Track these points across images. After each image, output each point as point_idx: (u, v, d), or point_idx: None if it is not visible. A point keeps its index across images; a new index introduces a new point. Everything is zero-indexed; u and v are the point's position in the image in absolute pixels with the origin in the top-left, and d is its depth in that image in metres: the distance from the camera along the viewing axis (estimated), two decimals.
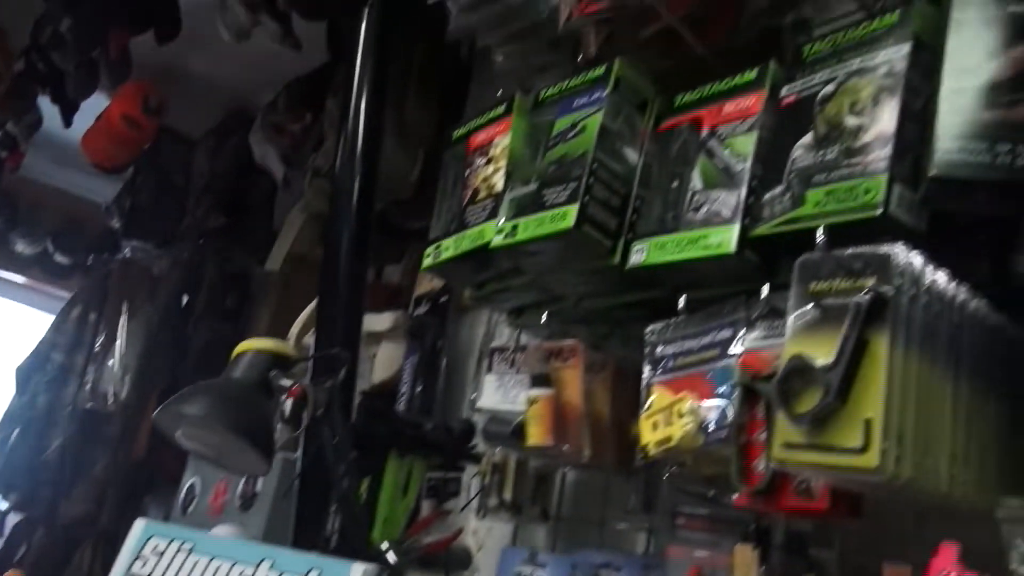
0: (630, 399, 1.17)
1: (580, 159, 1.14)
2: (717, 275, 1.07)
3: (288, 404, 1.13)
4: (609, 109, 1.16)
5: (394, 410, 1.81)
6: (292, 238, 2.41)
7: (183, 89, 3.03)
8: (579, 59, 1.30)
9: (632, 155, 1.17)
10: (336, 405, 1.14)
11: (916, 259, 0.81)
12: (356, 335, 1.57)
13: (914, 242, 0.90)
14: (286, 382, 1.13)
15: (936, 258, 0.94)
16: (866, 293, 0.77)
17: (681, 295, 1.11)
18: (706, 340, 1.05)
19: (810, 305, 0.82)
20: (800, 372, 0.78)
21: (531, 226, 1.15)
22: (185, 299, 3.18)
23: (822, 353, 0.80)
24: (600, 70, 1.19)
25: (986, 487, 0.85)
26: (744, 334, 1.00)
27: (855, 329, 0.76)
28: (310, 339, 1.71)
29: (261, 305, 2.88)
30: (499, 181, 1.27)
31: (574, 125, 1.18)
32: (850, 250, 0.83)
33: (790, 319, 0.84)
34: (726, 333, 1.03)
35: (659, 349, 1.10)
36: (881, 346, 0.76)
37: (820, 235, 0.83)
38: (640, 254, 1.11)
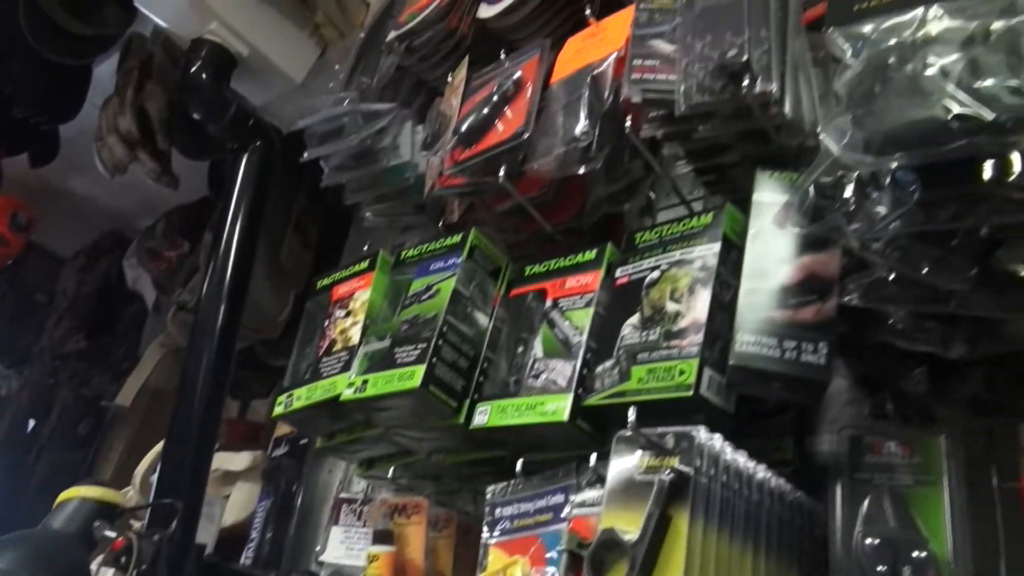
0: (474, 559, 1.18)
1: (431, 321, 1.19)
2: (554, 440, 1.12)
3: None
4: (462, 275, 1.23)
5: (231, 566, 1.73)
6: (148, 372, 2.33)
7: (58, 207, 2.98)
8: (440, 224, 1.39)
9: (483, 319, 1.24)
10: (163, 559, 1.10)
11: (716, 439, 0.88)
12: (202, 479, 1.52)
13: (723, 422, 0.99)
14: (111, 533, 1.08)
15: (745, 437, 1.04)
16: (669, 472, 0.83)
17: (522, 456, 1.16)
18: (541, 503, 1.09)
19: (622, 479, 0.88)
20: (610, 545, 0.83)
21: (380, 382, 1.19)
22: (32, 424, 2.99)
23: (633, 526, 0.84)
24: (457, 238, 1.28)
25: None
26: (574, 500, 1.04)
27: (658, 506, 0.81)
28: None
29: (115, 435, 2.73)
30: (356, 334, 1.31)
31: (429, 287, 1.25)
32: (659, 429, 0.90)
33: (605, 492, 0.89)
34: (559, 498, 1.07)
35: (498, 510, 1.13)
36: (683, 523, 0.82)
37: (631, 413, 0.90)
38: (483, 416, 1.15)
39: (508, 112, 1.22)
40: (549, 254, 1.26)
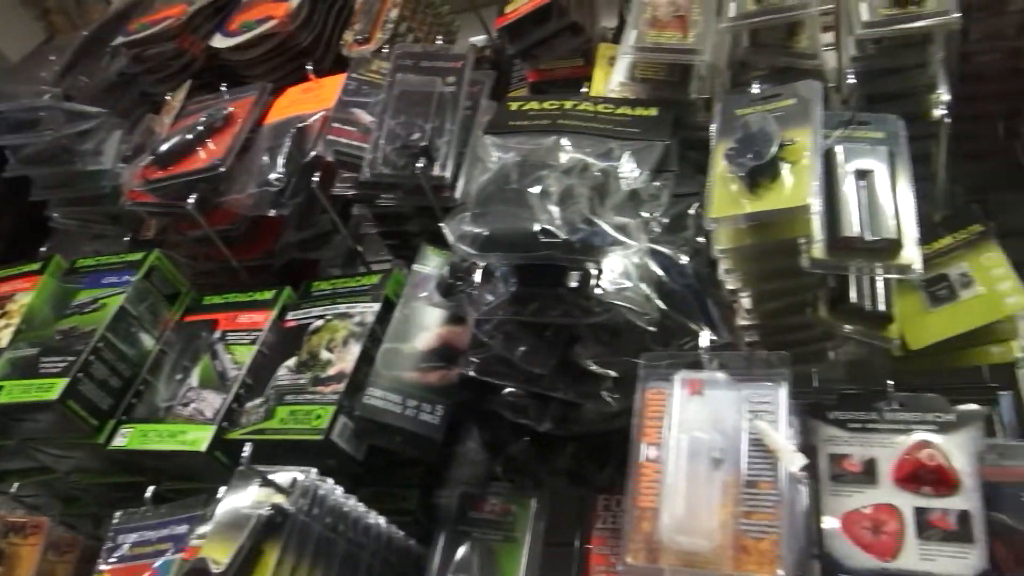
0: None
1: (88, 335, 1.16)
2: (197, 470, 1.13)
3: None
4: (133, 293, 1.22)
5: None
6: None
7: None
8: (130, 238, 1.37)
9: (148, 341, 1.23)
10: None
11: (328, 482, 0.95)
12: None
13: (352, 467, 1.07)
14: None
15: (376, 485, 1.12)
16: (268, 507, 0.88)
17: (167, 484, 1.15)
18: (165, 532, 1.09)
19: (231, 512, 0.92)
20: (199, 574, 0.86)
21: (16, 390, 1.13)
22: None
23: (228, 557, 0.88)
24: (137, 255, 1.26)
25: None
26: (198, 531, 1.06)
27: (251, 539, 0.86)
28: None
29: None
30: (6, 337, 1.23)
31: (95, 300, 1.22)
32: (278, 468, 0.95)
33: (212, 523, 0.92)
34: (183, 528, 1.08)
35: (120, 536, 1.11)
36: (272, 557, 0.87)
37: (245, 450, 0.94)
38: (123, 438, 1.14)
39: (211, 143, 1.25)
40: (238, 288, 1.29)
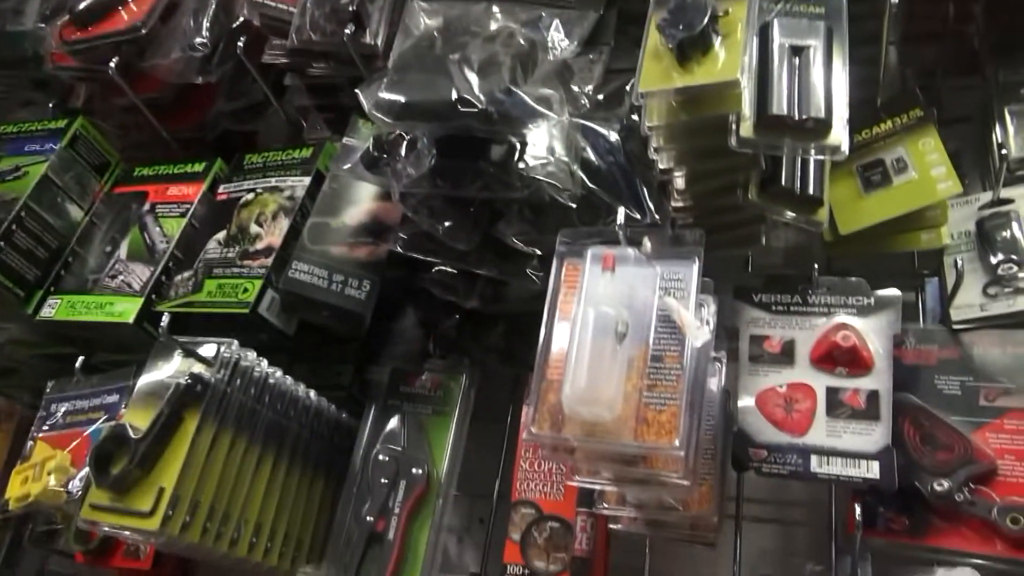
0: None
1: (9, 203, 1.13)
2: (127, 342, 1.13)
3: None
4: (57, 162, 1.18)
5: None
6: None
7: None
8: (54, 104, 1.31)
9: (76, 212, 1.20)
10: None
11: (251, 353, 0.95)
12: None
13: (283, 342, 1.07)
14: None
15: (311, 360, 1.12)
16: (187, 376, 0.88)
17: (99, 355, 1.15)
18: (96, 401, 1.09)
19: (153, 381, 0.92)
20: (118, 439, 0.86)
21: None
22: None
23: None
24: (60, 122, 1.22)
25: (291, 554, 1.00)
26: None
27: (170, 406, 0.87)
28: None
29: None
30: None
31: (18, 168, 1.17)
32: (200, 339, 0.94)
33: (135, 391, 0.92)
34: (114, 397, 1.08)
35: (53, 405, 1.12)
36: (192, 424, 0.88)
37: (164, 321, 0.94)
38: (51, 309, 1.12)
39: (132, 3, 1.18)
40: (169, 159, 1.25)
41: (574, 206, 0.86)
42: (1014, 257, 0.96)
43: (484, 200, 0.90)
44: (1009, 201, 1.00)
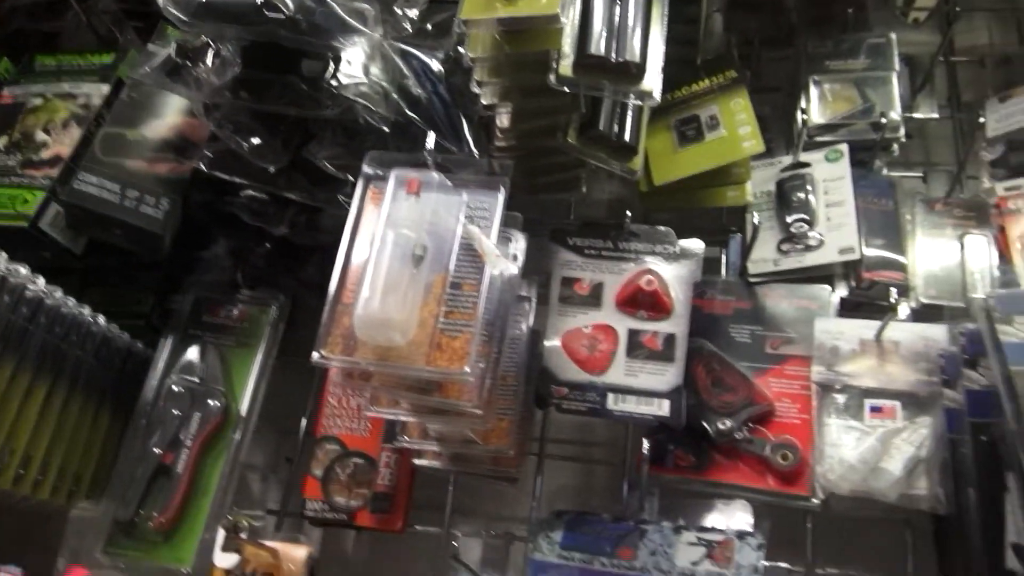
0: None
1: None
2: None
3: None
4: None
5: None
6: None
7: None
8: None
9: None
10: None
11: (24, 270, 0.86)
12: None
13: (69, 261, 0.98)
14: None
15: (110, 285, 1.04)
16: None
17: None
18: None
19: None
20: None
21: None
22: None
23: None
24: None
25: (67, 488, 0.92)
26: None
27: None
28: None
29: None
30: None
31: None
32: None
33: None
34: None
35: None
36: None
37: None
38: None
39: None
40: None
41: (388, 131, 0.83)
42: (806, 217, 1.03)
43: (295, 119, 0.86)
44: (806, 165, 1.07)
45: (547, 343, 0.96)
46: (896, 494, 0.85)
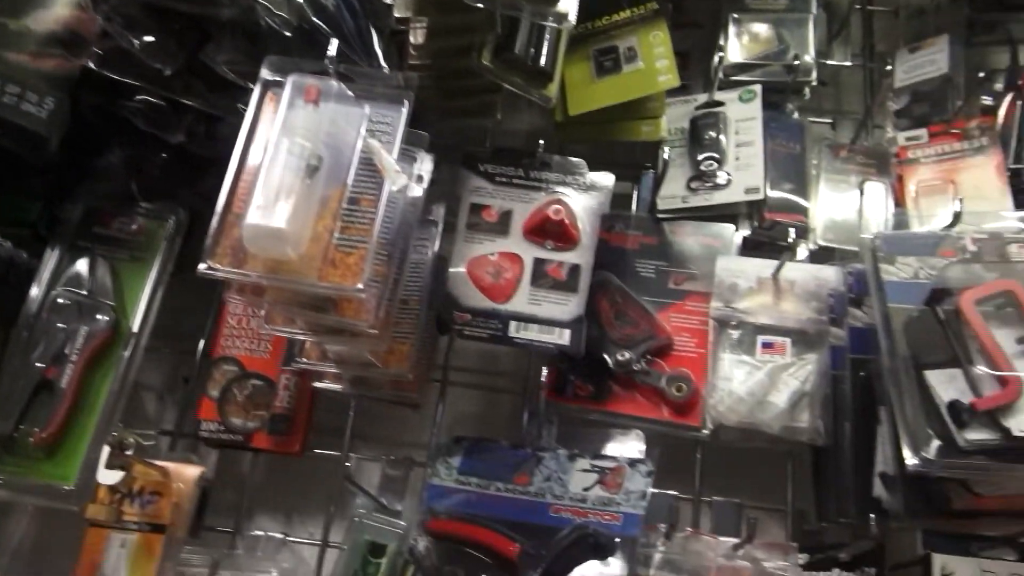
0: None
1: None
2: None
3: None
4: None
5: None
6: None
7: None
8: None
9: None
10: None
11: None
12: None
13: None
14: None
15: None
16: None
17: None
18: None
19: None
20: None
21: None
22: None
23: None
24: None
25: None
26: None
27: None
28: None
29: None
30: None
31: None
32: None
33: None
34: None
35: None
36: None
37: None
38: None
39: None
40: None
41: (290, 37, 0.79)
42: (716, 155, 1.04)
43: (190, 16, 0.81)
44: (720, 104, 1.07)
45: (452, 269, 0.95)
46: (780, 426, 0.89)
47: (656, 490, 0.89)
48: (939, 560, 0.70)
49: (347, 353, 0.86)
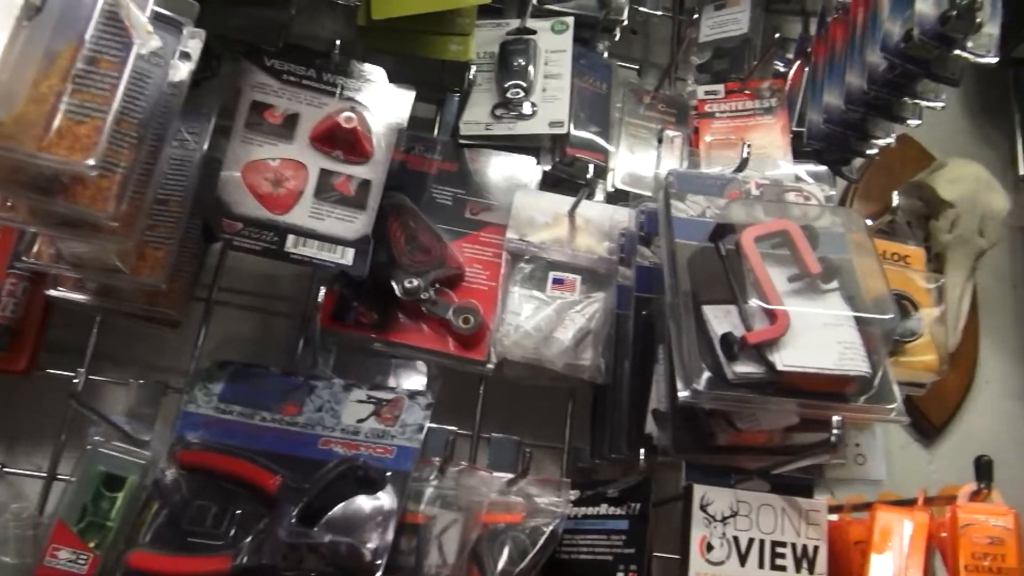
0: None
1: None
2: None
3: None
4: None
5: None
6: None
7: None
8: None
9: None
10: None
11: None
12: None
13: None
14: None
15: None
16: None
17: None
18: None
19: None
20: None
21: None
22: None
23: None
24: None
25: None
26: None
27: None
28: None
29: None
30: None
31: None
32: None
33: None
34: None
35: None
36: None
37: None
38: None
39: None
40: None
41: None
42: (523, 84, 1.00)
43: None
44: (532, 32, 1.03)
45: (225, 172, 0.84)
46: (563, 363, 0.88)
47: (436, 425, 0.85)
48: (699, 491, 0.71)
49: (86, 253, 0.73)
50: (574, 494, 0.84)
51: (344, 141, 0.86)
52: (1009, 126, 1.32)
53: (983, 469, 0.65)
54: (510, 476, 0.84)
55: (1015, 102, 1.32)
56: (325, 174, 0.86)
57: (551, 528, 0.80)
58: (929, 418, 1.10)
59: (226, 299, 0.94)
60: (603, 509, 0.83)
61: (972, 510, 0.63)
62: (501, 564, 0.78)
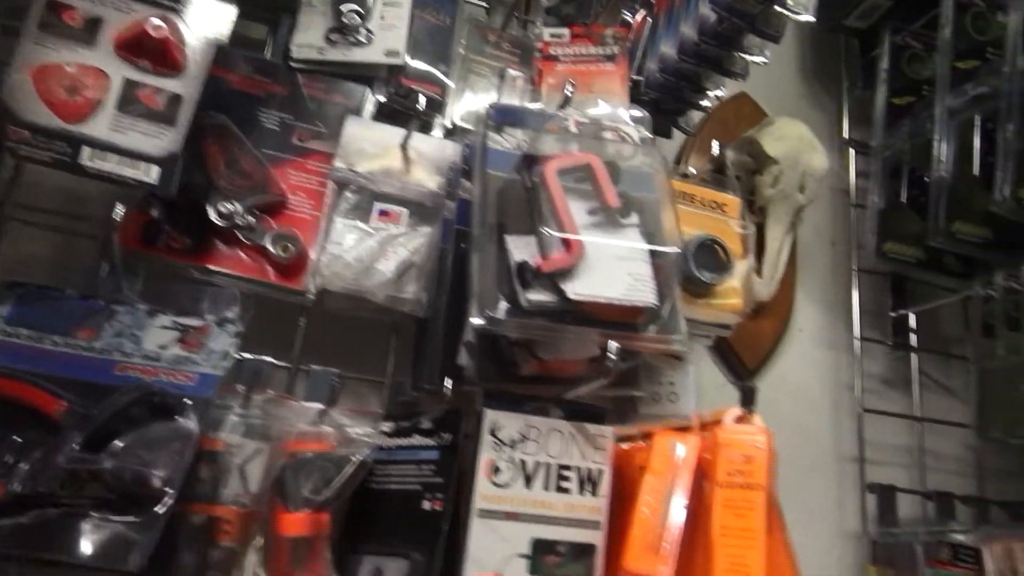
0: None
1: None
2: None
3: None
4: None
5: None
6: None
7: None
8: None
9: None
10: None
11: None
12: None
13: None
14: None
15: None
16: None
17: None
18: None
19: None
20: None
21: None
22: None
23: None
24: None
25: None
26: None
27: None
28: None
29: None
30: None
31: None
32: None
33: None
34: None
35: None
36: None
37: None
38: None
39: None
40: None
41: None
42: (360, 9, 0.97)
43: None
44: None
45: (14, 74, 0.77)
46: (384, 295, 0.86)
47: (254, 356, 0.83)
48: (490, 416, 0.72)
49: None
50: (387, 425, 0.84)
51: (152, 51, 0.80)
52: (838, 91, 1.38)
53: (747, 395, 0.69)
54: (321, 407, 0.82)
55: (844, 68, 1.38)
56: (130, 84, 0.80)
57: (358, 458, 0.79)
58: (744, 361, 1.16)
59: (26, 217, 0.88)
60: (416, 440, 0.83)
61: (732, 431, 0.66)
62: (305, 492, 0.77)
